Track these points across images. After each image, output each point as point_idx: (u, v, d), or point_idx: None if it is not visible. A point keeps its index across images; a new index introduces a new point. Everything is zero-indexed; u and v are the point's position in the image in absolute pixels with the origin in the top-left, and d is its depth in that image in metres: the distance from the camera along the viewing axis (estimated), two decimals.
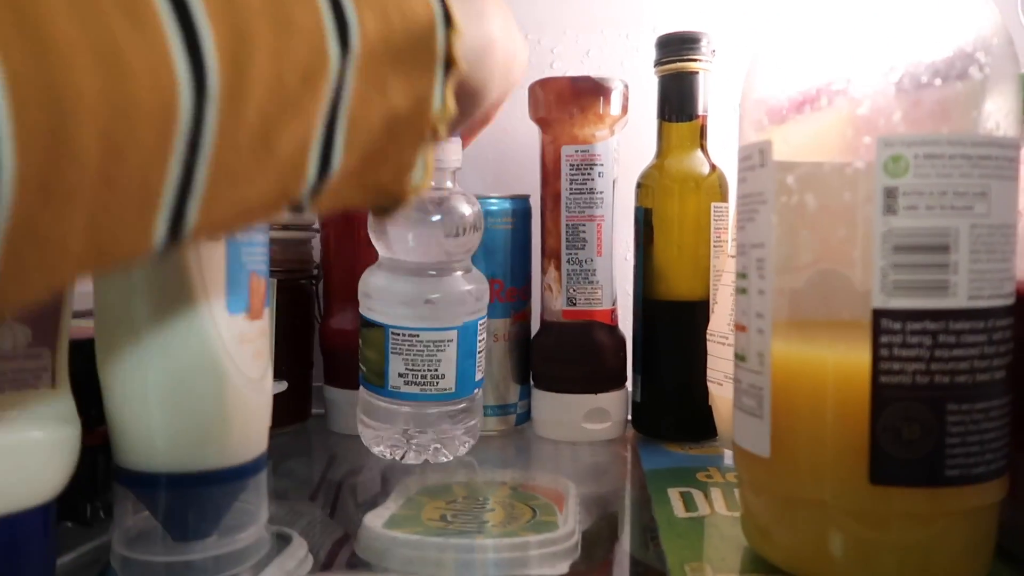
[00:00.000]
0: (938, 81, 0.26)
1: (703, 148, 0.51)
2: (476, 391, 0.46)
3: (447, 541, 0.34)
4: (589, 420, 0.51)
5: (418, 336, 0.43)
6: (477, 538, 0.34)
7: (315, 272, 0.55)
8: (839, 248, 0.27)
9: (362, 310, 0.45)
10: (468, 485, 0.44)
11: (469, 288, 0.45)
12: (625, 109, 0.52)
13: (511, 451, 0.47)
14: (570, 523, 0.36)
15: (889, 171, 0.26)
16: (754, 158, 0.30)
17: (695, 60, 0.50)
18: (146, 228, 0.18)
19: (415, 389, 0.43)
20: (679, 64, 0.50)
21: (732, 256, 0.47)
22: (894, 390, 0.26)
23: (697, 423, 0.50)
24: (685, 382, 0.50)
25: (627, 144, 0.55)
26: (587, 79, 0.51)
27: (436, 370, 0.43)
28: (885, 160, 0.26)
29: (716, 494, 0.40)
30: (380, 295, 0.44)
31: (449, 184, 0.45)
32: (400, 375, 0.43)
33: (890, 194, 0.26)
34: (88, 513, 0.34)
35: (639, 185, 0.52)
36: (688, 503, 0.39)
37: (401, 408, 0.44)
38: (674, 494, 0.40)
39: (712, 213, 0.50)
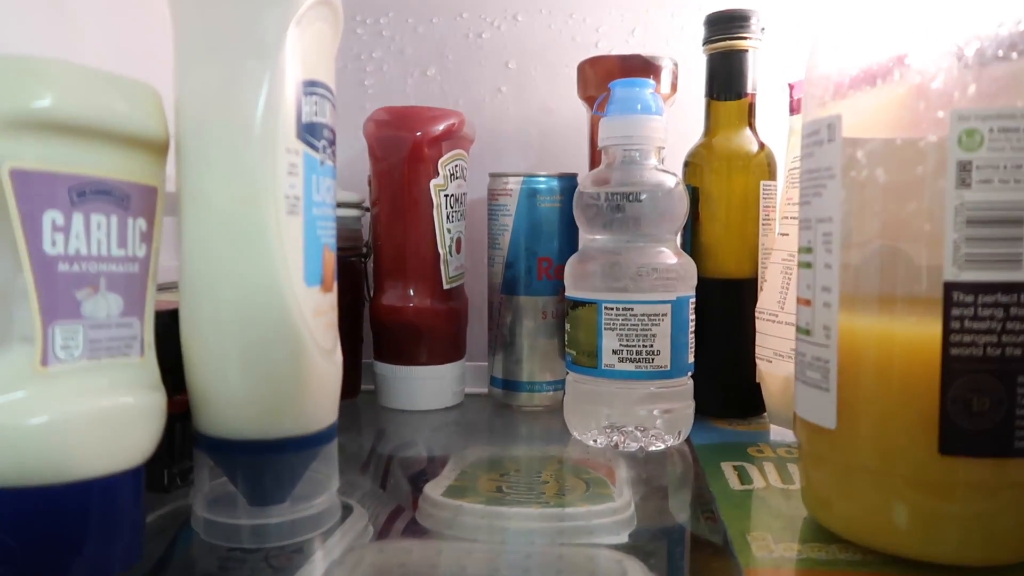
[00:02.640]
0: (1013, 54, 0.26)
1: (752, 126, 0.51)
2: (689, 374, 0.45)
3: (510, 510, 0.35)
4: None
5: (632, 310, 0.43)
6: (535, 507, 0.35)
7: (365, 250, 0.56)
8: (909, 222, 0.27)
9: (570, 292, 0.45)
10: (519, 459, 0.45)
11: (678, 261, 0.44)
12: (675, 87, 0.52)
13: (560, 426, 0.47)
14: (625, 495, 0.37)
15: (963, 145, 0.26)
16: (822, 133, 0.30)
17: (744, 38, 0.50)
18: None
19: (630, 367, 0.43)
20: (728, 42, 0.50)
21: (782, 234, 0.48)
22: (965, 362, 0.26)
23: (744, 400, 0.50)
24: (733, 359, 0.50)
25: (673, 123, 0.55)
26: (637, 57, 0.51)
27: (651, 345, 0.43)
28: (959, 134, 0.26)
29: (769, 468, 0.40)
30: (591, 271, 0.44)
31: (653, 161, 0.45)
32: (614, 352, 0.43)
33: (964, 168, 0.26)
34: (166, 480, 0.35)
35: (686, 163, 0.52)
36: (743, 476, 0.39)
37: (614, 389, 0.44)
38: (727, 468, 0.40)
39: (761, 191, 0.50)
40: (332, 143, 0.33)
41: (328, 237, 0.32)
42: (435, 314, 0.52)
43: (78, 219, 0.25)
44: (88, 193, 0.26)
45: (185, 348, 0.30)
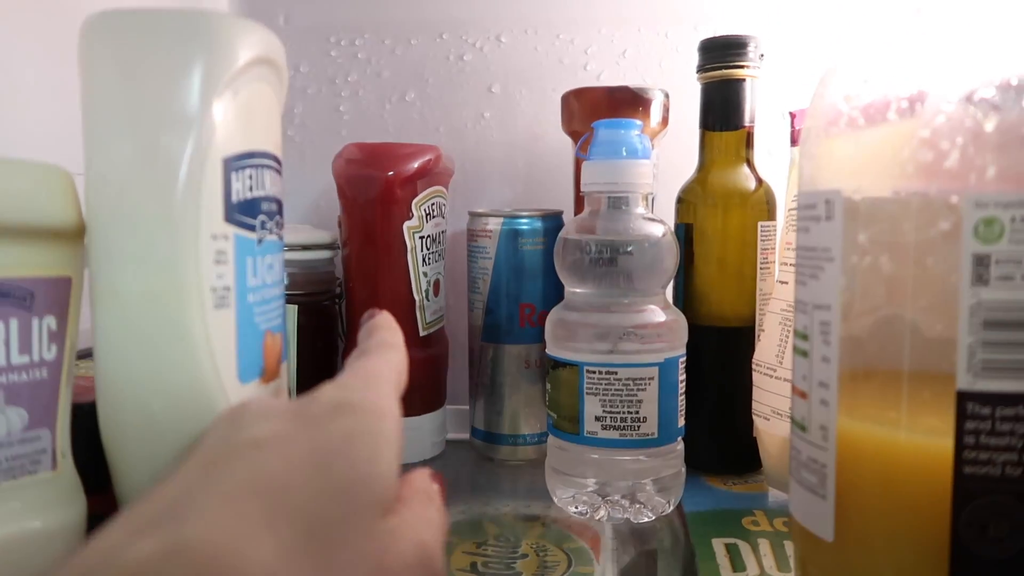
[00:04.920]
0: None
1: (749, 161, 0.48)
2: (679, 439, 0.42)
3: None
4: None
5: (616, 373, 0.39)
6: None
7: (338, 290, 0.53)
8: (918, 320, 0.24)
9: (550, 350, 0.42)
10: (499, 521, 0.42)
11: (667, 319, 0.41)
12: (665, 121, 0.49)
13: (544, 480, 0.45)
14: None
15: (980, 236, 0.23)
16: (819, 208, 0.27)
17: (741, 67, 0.46)
18: None
19: (615, 434, 0.40)
20: (724, 71, 0.47)
21: (781, 282, 0.44)
22: (980, 482, 0.23)
23: (740, 456, 0.47)
24: (728, 412, 0.47)
25: (666, 152, 0.52)
26: (625, 89, 0.47)
27: (637, 412, 0.40)
28: (976, 223, 0.23)
29: (764, 547, 0.37)
30: (572, 330, 0.41)
31: (640, 209, 0.41)
32: (597, 418, 0.40)
33: (981, 262, 0.23)
34: None
35: (679, 200, 0.49)
36: (735, 559, 0.36)
37: (597, 457, 0.41)
38: (719, 546, 0.37)
39: (759, 232, 0.47)
40: (277, 213, 0.29)
41: (271, 320, 0.29)
42: (411, 364, 0.49)
43: None
44: None
45: (108, 453, 0.27)
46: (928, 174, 0.24)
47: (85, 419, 0.27)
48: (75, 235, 0.26)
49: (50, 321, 0.25)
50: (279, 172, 0.30)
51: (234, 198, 0.26)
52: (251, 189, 0.27)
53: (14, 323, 0.24)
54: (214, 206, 0.25)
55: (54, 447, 0.25)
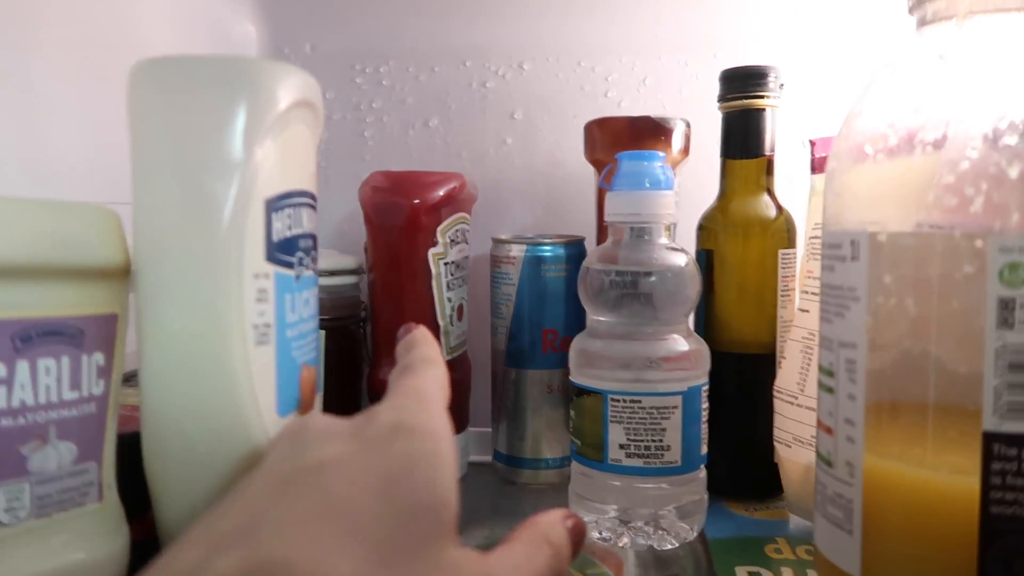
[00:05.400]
0: None
1: (769, 189, 0.48)
2: (702, 466, 0.42)
3: None
4: None
5: (640, 402, 0.40)
6: None
7: (363, 315, 0.54)
8: (944, 359, 0.25)
9: (574, 377, 0.43)
10: None
11: (690, 348, 0.42)
12: (687, 150, 0.49)
13: (567, 504, 0.45)
14: None
15: (1005, 280, 0.23)
16: (844, 248, 0.27)
17: (762, 96, 0.47)
18: None
19: (638, 462, 0.40)
20: (745, 101, 0.47)
21: (801, 310, 0.45)
22: (1007, 521, 0.24)
23: (761, 482, 0.47)
24: (749, 439, 0.47)
25: (686, 178, 0.52)
26: (647, 119, 0.48)
27: (661, 440, 0.40)
28: (1001, 267, 0.23)
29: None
30: (596, 359, 0.41)
31: (663, 239, 0.42)
32: (621, 446, 0.40)
33: (1006, 306, 0.23)
34: None
35: (700, 227, 0.49)
36: None
37: (619, 484, 0.41)
38: (743, 575, 0.38)
39: (779, 260, 0.47)
40: (312, 249, 0.30)
41: (307, 353, 0.30)
42: None
43: (23, 368, 0.23)
44: (34, 337, 0.24)
45: (150, 482, 0.28)
46: (953, 218, 0.24)
47: (125, 448, 0.28)
48: (122, 273, 0.26)
49: (99, 357, 0.26)
50: (314, 208, 0.30)
51: (274, 237, 0.27)
52: (290, 228, 0.28)
53: (65, 360, 0.25)
54: (256, 246, 0.26)
55: (101, 479, 0.26)
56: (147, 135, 0.26)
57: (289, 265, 0.28)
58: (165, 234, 0.26)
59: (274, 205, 0.27)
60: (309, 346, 0.30)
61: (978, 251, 0.24)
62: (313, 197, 0.30)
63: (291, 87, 0.27)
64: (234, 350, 0.26)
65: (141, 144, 0.26)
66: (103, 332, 0.26)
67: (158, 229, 0.26)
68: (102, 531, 0.26)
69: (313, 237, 0.30)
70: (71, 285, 0.25)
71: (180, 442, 0.26)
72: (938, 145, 0.25)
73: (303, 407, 0.30)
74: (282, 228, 0.27)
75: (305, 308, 0.30)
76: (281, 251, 0.28)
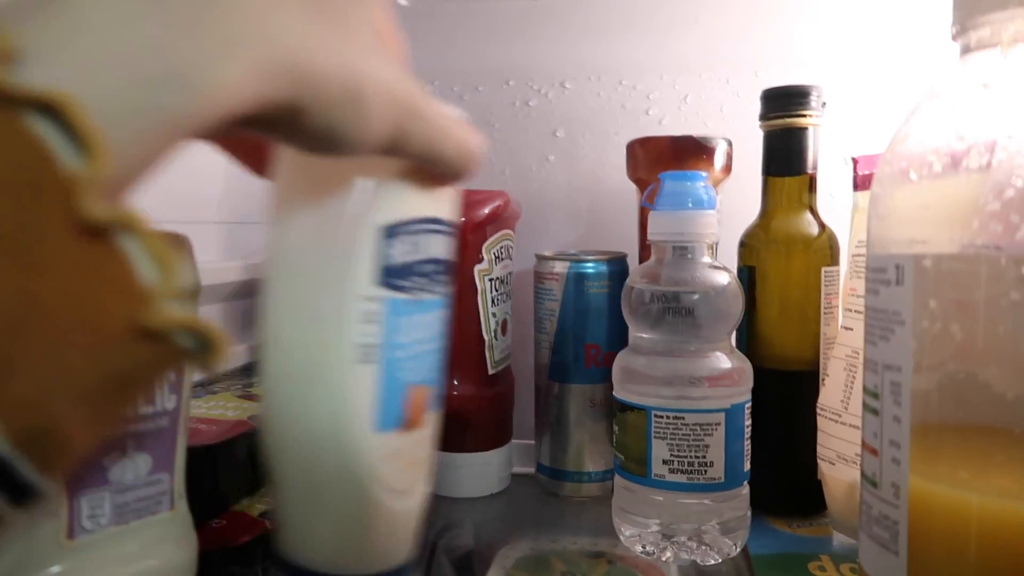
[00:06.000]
0: None
1: (811, 207, 0.48)
2: (745, 483, 0.43)
3: None
4: None
5: (683, 419, 0.41)
6: None
7: None
8: (990, 382, 0.25)
9: (618, 392, 0.44)
10: (565, 557, 0.43)
11: (733, 366, 0.42)
12: (728, 168, 0.50)
13: (610, 518, 0.46)
14: None
15: None
16: (889, 272, 0.27)
17: (804, 115, 0.47)
18: None
19: (682, 478, 0.41)
20: (786, 120, 0.48)
21: (845, 328, 0.45)
22: None
23: (805, 499, 0.47)
24: (793, 456, 0.47)
25: (728, 196, 0.53)
26: (689, 139, 0.49)
27: (704, 456, 0.41)
28: None
29: None
30: (639, 376, 0.42)
31: (706, 258, 0.43)
32: (665, 462, 0.41)
33: None
34: None
35: (742, 244, 0.50)
36: None
37: (661, 499, 0.42)
38: None
39: (823, 277, 0.47)
40: (439, 273, 0.31)
41: (420, 374, 0.31)
42: (480, 401, 0.51)
43: None
44: None
45: (271, 473, 0.30)
46: (998, 243, 0.25)
47: (191, 461, 0.30)
48: (192, 294, 0.28)
49: (170, 374, 0.27)
50: (447, 234, 0.31)
51: (388, 262, 0.28)
52: (409, 253, 0.29)
53: None
54: (366, 270, 0.28)
55: (172, 489, 0.28)
56: (282, 158, 0.28)
57: (404, 289, 0.29)
58: (284, 251, 0.28)
59: (390, 231, 0.28)
60: (424, 367, 0.31)
61: (1023, 279, 0.24)
62: (445, 223, 0.31)
63: None
64: (333, 365, 0.27)
65: (278, 165, 0.29)
66: None
67: (280, 246, 0.28)
68: (174, 537, 0.28)
69: (442, 262, 0.31)
70: None
71: (291, 441, 0.29)
72: (983, 172, 0.25)
73: (408, 424, 0.30)
74: (399, 253, 0.28)
75: (422, 330, 0.30)
76: (395, 276, 0.29)
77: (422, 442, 0.32)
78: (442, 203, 0.31)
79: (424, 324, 0.30)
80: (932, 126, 0.27)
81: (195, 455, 0.31)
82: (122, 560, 0.25)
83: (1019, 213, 0.24)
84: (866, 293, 0.30)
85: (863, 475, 0.30)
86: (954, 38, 0.29)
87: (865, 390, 0.29)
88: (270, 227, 0.28)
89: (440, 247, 0.31)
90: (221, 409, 0.37)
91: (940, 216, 0.26)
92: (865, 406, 0.29)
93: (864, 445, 0.30)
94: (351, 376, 0.28)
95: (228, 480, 0.34)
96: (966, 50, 0.28)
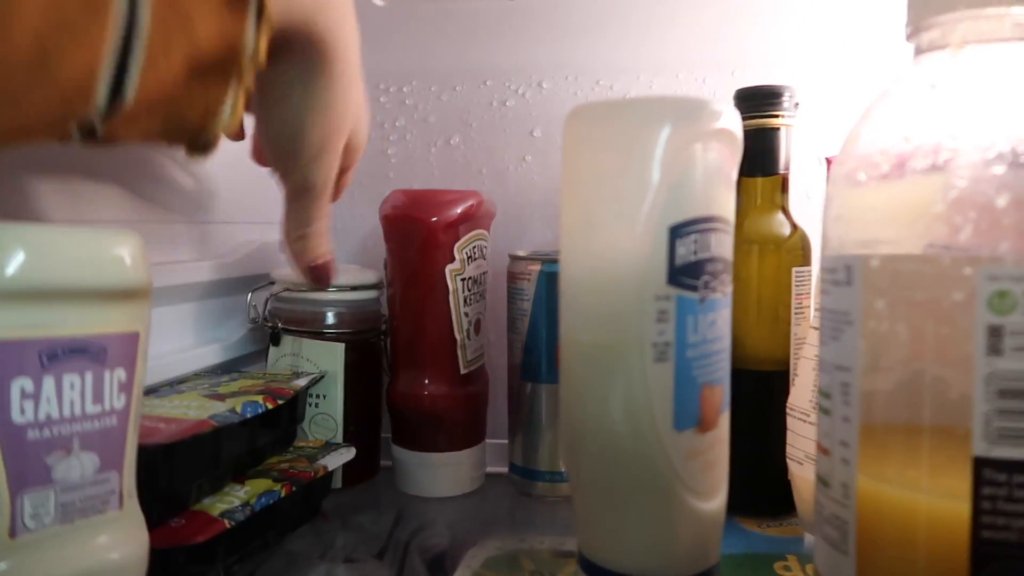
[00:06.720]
0: None
1: (784, 207, 0.48)
2: None
3: None
4: None
5: None
6: None
7: (383, 328, 0.55)
8: (935, 384, 0.25)
9: None
10: (534, 556, 0.43)
11: None
12: None
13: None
14: None
15: (994, 307, 0.23)
16: (839, 273, 0.27)
17: (776, 116, 0.47)
18: None
19: None
20: (759, 120, 0.48)
21: (814, 328, 0.45)
22: (998, 547, 0.24)
23: (775, 499, 0.47)
24: (763, 456, 0.47)
25: None
26: None
27: None
28: (989, 295, 0.23)
29: None
30: None
31: None
32: None
33: (995, 333, 0.23)
34: None
35: None
36: None
37: None
38: None
39: (793, 278, 0.47)
40: (722, 272, 0.31)
41: (711, 373, 0.31)
42: (452, 401, 0.51)
43: (49, 383, 0.25)
44: (60, 354, 0.25)
45: (566, 466, 0.31)
46: (942, 246, 0.25)
47: (145, 460, 0.30)
48: (143, 293, 0.28)
49: (120, 373, 0.27)
50: (725, 232, 0.31)
51: (678, 262, 0.29)
52: (695, 252, 0.29)
53: (89, 376, 0.26)
54: (659, 269, 0.28)
55: (121, 488, 0.27)
56: (576, 165, 0.30)
57: (693, 288, 0.29)
58: (581, 254, 0.29)
59: (679, 231, 0.28)
60: (713, 366, 0.31)
61: (967, 278, 0.24)
62: (724, 221, 0.31)
63: (707, 119, 0.29)
64: (632, 364, 0.28)
65: (571, 173, 0.30)
66: (125, 350, 0.27)
67: (576, 249, 0.29)
68: (122, 537, 0.27)
69: (722, 261, 0.31)
70: (95, 306, 0.26)
71: (589, 438, 0.30)
72: (928, 173, 0.25)
73: (704, 425, 0.30)
74: (687, 252, 0.29)
75: (709, 329, 0.30)
76: (684, 274, 0.29)
77: (718, 443, 0.32)
78: (723, 202, 0.31)
79: (711, 323, 0.30)
80: (881, 127, 0.27)
81: (151, 454, 0.31)
82: (66, 559, 0.25)
83: (962, 215, 0.24)
84: (820, 294, 0.30)
85: (817, 475, 0.30)
86: (908, 39, 0.29)
87: (819, 391, 0.29)
88: (564, 232, 0.30)
89: (722, 245, 0.31)
90: (184, 408, 0.37)
91: (887, 217, 0.26)
92: (819, 406, 0.29)
93: (818, 446, 0.30)
94: (649, 375, 0.28)
95: (185, 479, 0.34)
96: (918, 51, 0.28)
